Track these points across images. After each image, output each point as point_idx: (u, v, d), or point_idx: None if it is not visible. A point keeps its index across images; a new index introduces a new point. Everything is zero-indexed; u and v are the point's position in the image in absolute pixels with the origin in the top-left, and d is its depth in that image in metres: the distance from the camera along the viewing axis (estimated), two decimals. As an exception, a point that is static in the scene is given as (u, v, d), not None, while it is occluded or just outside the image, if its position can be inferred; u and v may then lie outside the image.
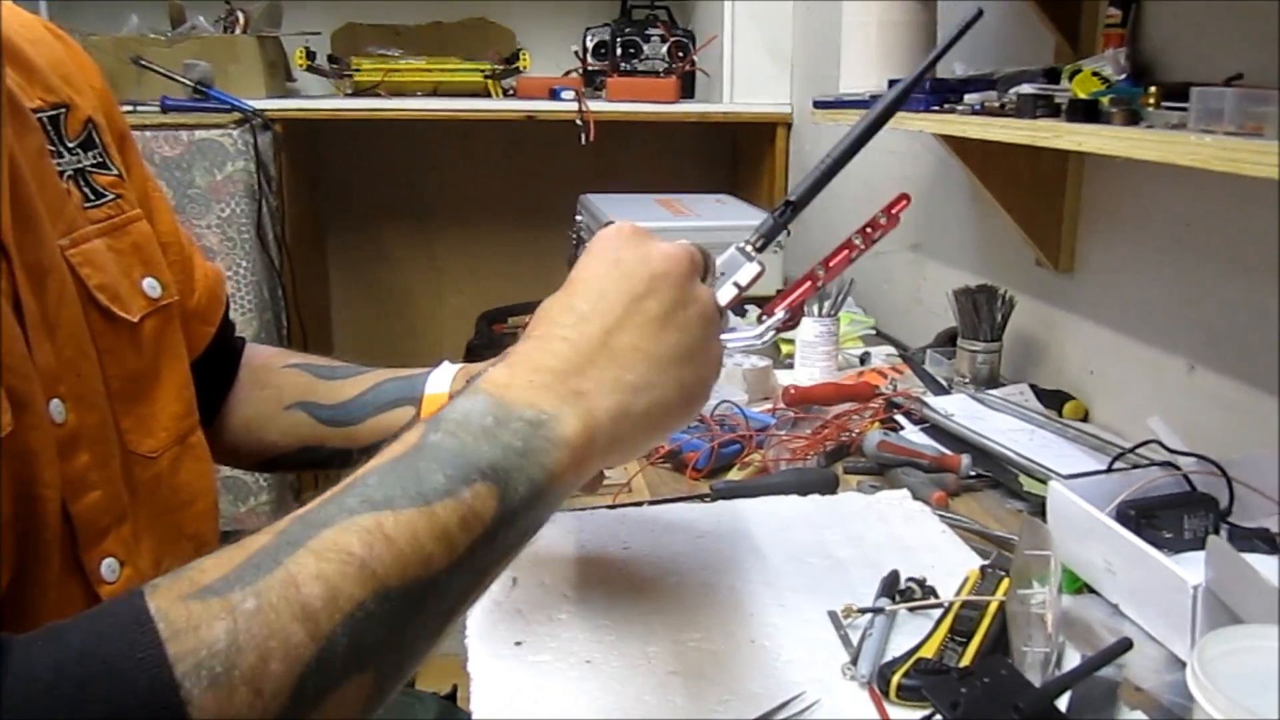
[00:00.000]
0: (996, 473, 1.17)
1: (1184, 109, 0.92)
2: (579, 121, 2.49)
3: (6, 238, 0.64)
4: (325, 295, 3.12)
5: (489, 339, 2.91)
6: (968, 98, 1.17)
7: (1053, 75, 1.28)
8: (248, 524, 2.44)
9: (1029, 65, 1.35)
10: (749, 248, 0.72)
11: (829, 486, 1.12)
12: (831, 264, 0.79)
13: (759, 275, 0.71)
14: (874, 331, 1.85)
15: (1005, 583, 0.85)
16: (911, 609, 0.83)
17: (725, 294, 0.70)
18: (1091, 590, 0.91)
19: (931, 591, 0.84)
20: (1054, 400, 1.41)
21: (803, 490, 1.09)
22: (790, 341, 1.66)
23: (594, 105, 2.52)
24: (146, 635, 0.41)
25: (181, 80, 2.31)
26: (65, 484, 0.68)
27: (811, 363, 1.55)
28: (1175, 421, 1.20)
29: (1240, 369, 1.12)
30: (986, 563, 0.90)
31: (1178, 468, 0.99)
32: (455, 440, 0.51)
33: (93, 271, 0.74)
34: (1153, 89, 0.96)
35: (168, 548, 0.80)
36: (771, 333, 0.77)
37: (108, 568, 0.72)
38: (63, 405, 0.68)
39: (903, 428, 1.30)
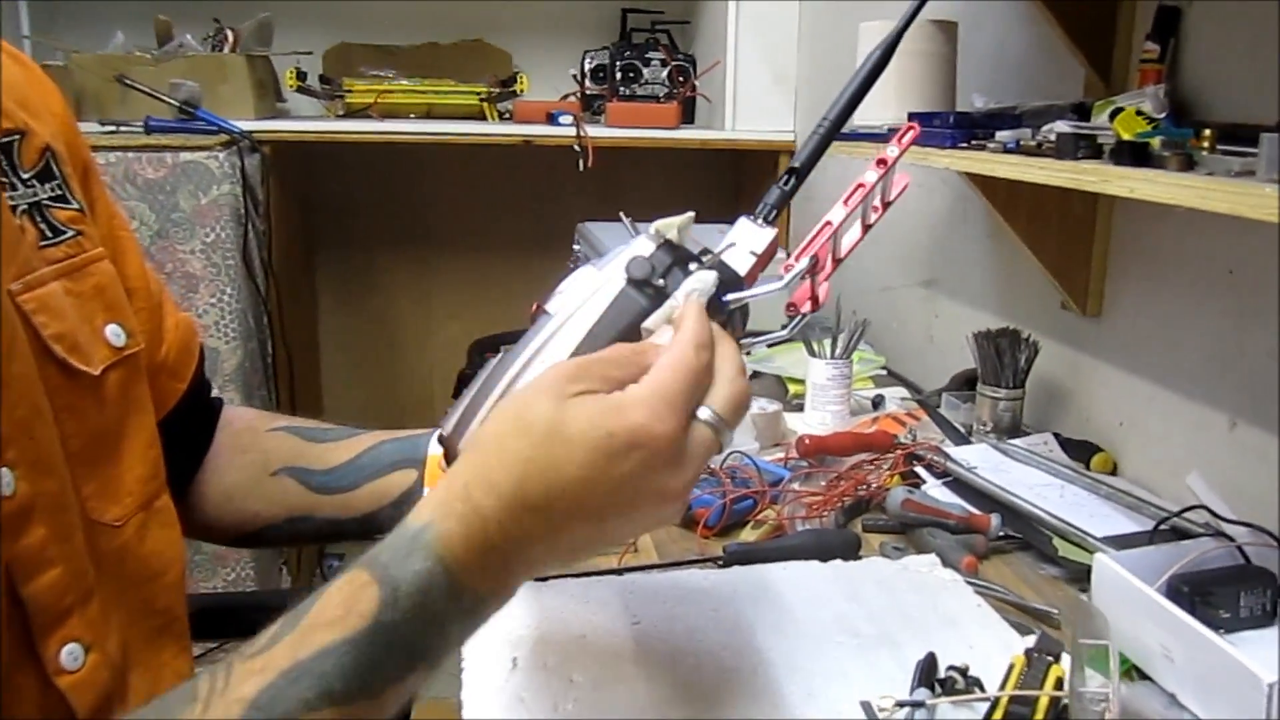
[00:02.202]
0: (1027, 533, 1.10)
1: (1243, 154, 0.86)
2: (577, 147, 2.42)
3: None
4: (313, 323, 3.03)
5: (481, 368, 2.84)
6: (1000, 135, 1.11)
7: (1082, 111, 1.22)
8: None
9: (1054, 99, 1.29)
10: (758, 220, 0.68)
11: (851, 550, 1.04)
12: (849, 201, 0.73)
13: (774, 240, 0.68)
14: (884, 371, 1.78)
15: (1054, 670, 0.77)
16: (955, 703, 0.75)
17: (743, 263, 0.67)
18: (1143, 675, 0.84)
19: (976, 683, 0.77)
20: (1080, 451, 1.33)
21: (823, 555, 1.02)
22: (800, 382, 1.59)
23: (593, 130, 2.45)
24: None
25: (167, 100, 2.23)
26: (15, 564, 0.60)
27: (822, 407, 1.48)
28: (1215, 480, 1.14)
29: (1288, 427, 1.05)
30: (1031, 646, 0.82)
31: (1231, 539, 0.92)
32: (410, 627, 0.53)
33: (49, 319, 0.66)
34: (1207, 132, 0.90)
35: (135, 627, 0.73)
36: (796, 282, 0.72)
37: (69, 655, 0.64)
38: (12, 474, 0.60)
39: (923, 481, 1.23)
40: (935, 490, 1.21)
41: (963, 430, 1.44)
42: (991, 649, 0.85)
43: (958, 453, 1.30)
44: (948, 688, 0.76)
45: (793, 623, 0.89)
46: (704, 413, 0.57)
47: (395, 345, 3.12)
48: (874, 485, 1.21)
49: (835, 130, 0.72)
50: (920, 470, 1.24)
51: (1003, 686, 0.76)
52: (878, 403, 1.57)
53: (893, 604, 0.92)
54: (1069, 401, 1.43)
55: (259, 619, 1.05)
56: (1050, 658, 0.80)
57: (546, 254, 2.91)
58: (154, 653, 0.74)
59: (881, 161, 0.72)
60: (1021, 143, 1.06)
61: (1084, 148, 0.97)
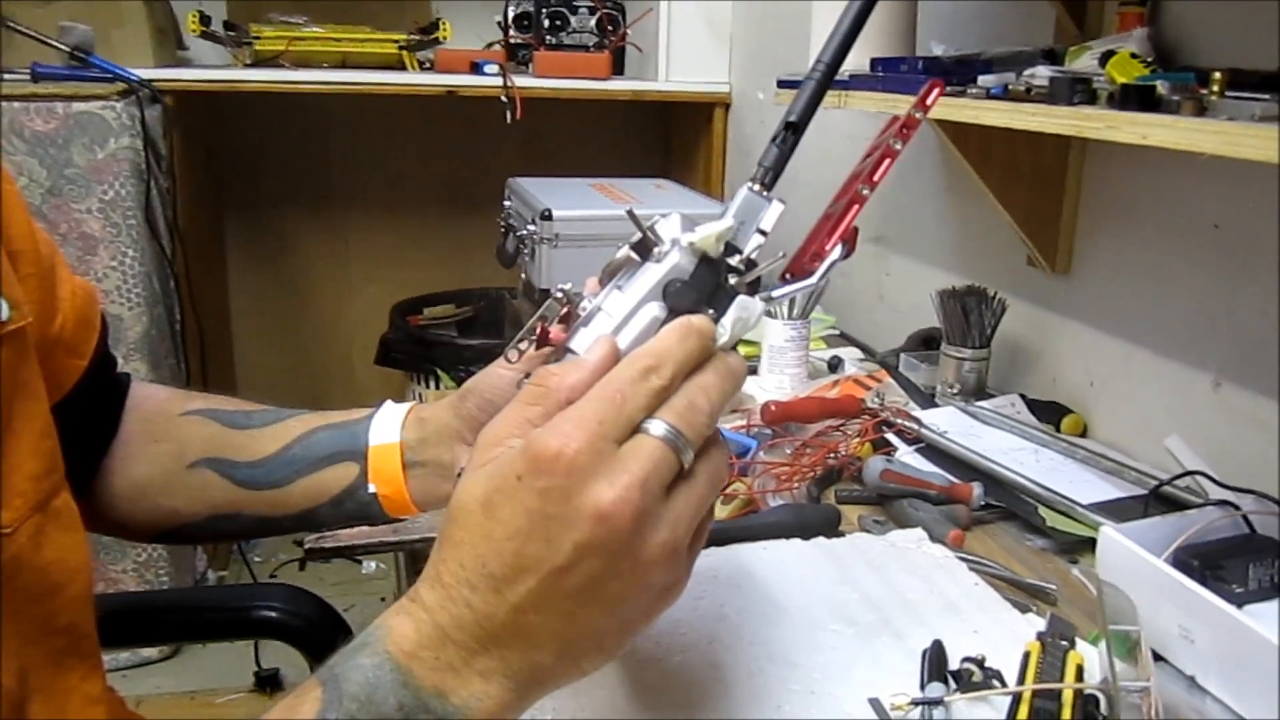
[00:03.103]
0: (1010, 502, 1.05)
1: (1254, 99, 0.80)
2: (505, 98, 2.30)
3: None
4: (223, 286, 2.87)
5: (404, 332, 2.72)
6: (982, 80, 1.04)
7: (1053, 57, 1.16)
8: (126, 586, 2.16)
9: (1020, 45, 1.23)
10: (759, 187, 0.59)
11: (832, 526, 0.98)
12: (875, 177, 0.65)
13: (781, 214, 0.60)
14: (836, 332, 1.72)
15: (1073, 657, 0.72)
16: (973, 699, 0.69)
17: (752, 242, 0.58)
18: (1155, 656, 0.79)
19: (996, 675, 0.70)
20: (1049, 413, 1.29)
21: (804, 532, 0.95)
22: (752, 343, 1.51)
23: (520, 81, 2.33)
24: None
25: (57, 45, 2.05)
26: None
27: (780, 370, 1.41)
28: (1198, 442, 1.10)
29: (1276, 388, 1.01)
30: (1043, 630, 0.76)
31: (1237, 507, 0.87)
32: None
33: None
34: (1217, 75, 0.83)
35: (35, 650, 0.62)
36: (828, 273, 0.64)
37: None
38: None
39: (895, 448, 1.17)
40: (908, 458, 1.15)
41: (924, 392, 1.39)
42: (997, 633, 0.79)
43: (926, 417, 1.24)
44: (963, 682, 0.70)
45: (782, 611, 0.81)
46: (650, 425, 0.48)
47: (311, 309, 2.97)
48: (844, 453, 1.15)
49: (831, 74, 0.63)
50: (891, 437, 1.18)
51: (1022, 678, 0.70)
52: (834, 365, 1.51)
53: (886, 586, 0.85)
54: (1034, 361, 1.38)
55: (176, 620, 0.95)
56: (1065, 643, 0.74)
57: (472, 211, 2.79)
58: (58, 677, 0.63)
59: (907, 126, 0.64)
60: (1010, 88, 0.99)
61: (1080, 93, 0.91)
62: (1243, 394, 1.05)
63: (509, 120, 2.29)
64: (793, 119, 0.61)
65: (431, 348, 2.65)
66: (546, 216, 1.80)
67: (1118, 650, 0.69)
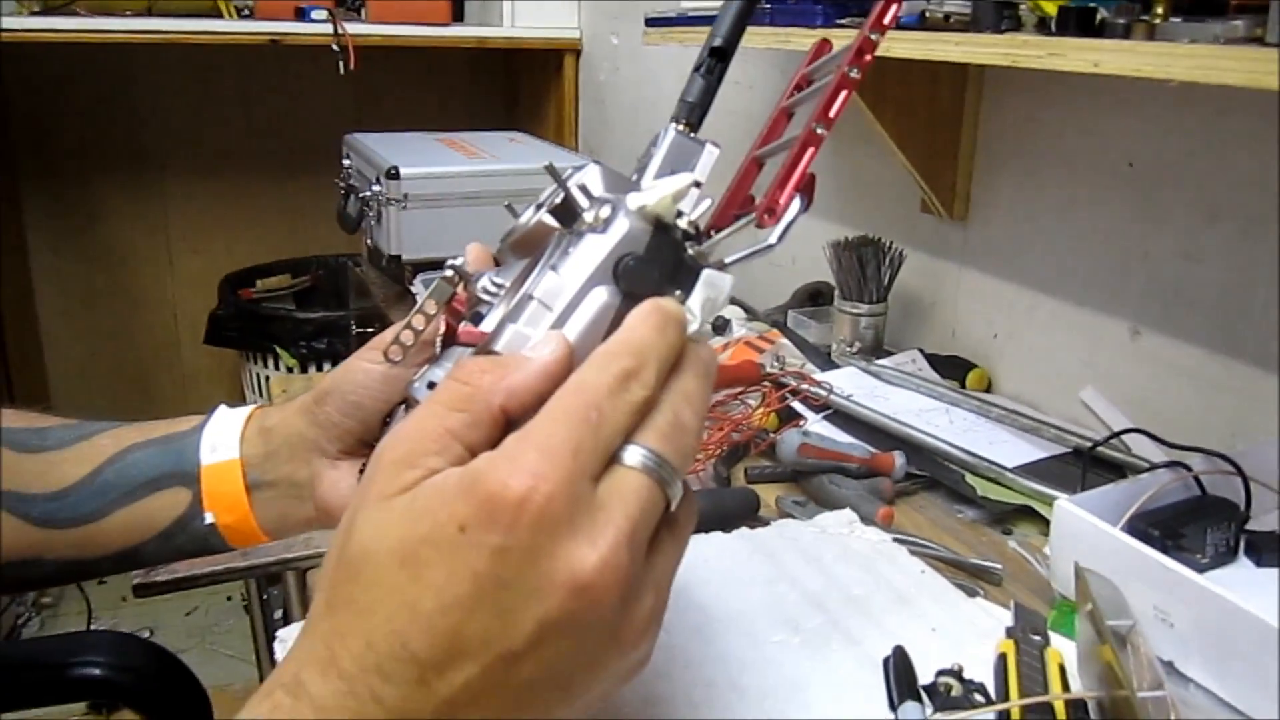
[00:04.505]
0: (933, 470, 0.97)
1: (1211, 21, 0.72)
2: (336, 47, 2.10)
3: None
4: (23, 267, 2.56)
5: (236, 307, 2.50)
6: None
7: (948, -15, 1.07)
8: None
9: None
10: (684, 127, 0.48)
11: (752, 511, 0.88)
12: (831, 113, 0.55)
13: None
14: (714, 289, 1.62)
15: (1052, 656, 0.64)
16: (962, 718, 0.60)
17: (693, 198, 0.46)
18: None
19: (979, 689, 0.61)
20: (951, 368, 1.22)
21: (725, 523, 0.84)
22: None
23: (353, 28, 2.13)
24: None
25: None
26: None
27: (665, 335, 1.30)
28: (1115, 393, 1.04)
29: (1200, 333, 0.96)
30: (1010, 625, 0.68)
31: (1189, 468, 0.81)
32: None
33: None
34: (1159, -6, 0.76)
35: None
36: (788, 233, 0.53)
37: None
38: None
39: (804, 418, 1.08)
40: (818, 427, 1.06)
41: (822, 351, 1.30)
42: (957, 629, 0.70)
43: (827, 379, 1.15)
44: (941, 698, 0.61)
45: (717, 622, 0.71)
46: (630, 453, 0.37)
47: (128, 287, 2.70)
48: (749, 427, 1.05)
49: None
50: (798, 405, 1.09)
51: (1003, 687, 0.61)
52: (721, 326, 1.40)
53: (826, 580, 0.76)
54: (931, 314, 1.31)
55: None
56: (1038, 638, 0.66)
57: (305, 172, 2.58)
58: None
59: (863, 51, 0.53)
60: (928, 15, 0.89)
61: (1008, 18, 0.82)
62: (1163, 341, 0.99)
63: (342, 71, 2.10)
64: (718, 43, 0.51)
65: (267, 323, 2.44)
66: (393, 175, 1.64)
67: (1115, 645, 0.62)
